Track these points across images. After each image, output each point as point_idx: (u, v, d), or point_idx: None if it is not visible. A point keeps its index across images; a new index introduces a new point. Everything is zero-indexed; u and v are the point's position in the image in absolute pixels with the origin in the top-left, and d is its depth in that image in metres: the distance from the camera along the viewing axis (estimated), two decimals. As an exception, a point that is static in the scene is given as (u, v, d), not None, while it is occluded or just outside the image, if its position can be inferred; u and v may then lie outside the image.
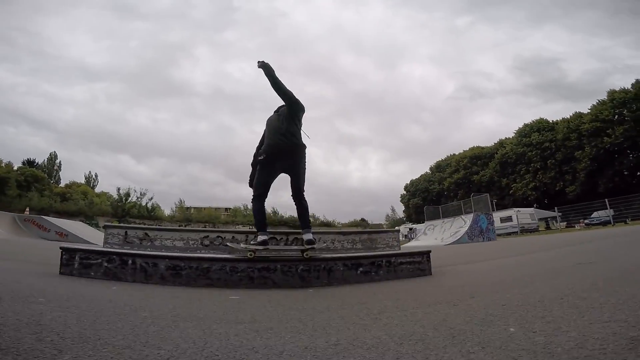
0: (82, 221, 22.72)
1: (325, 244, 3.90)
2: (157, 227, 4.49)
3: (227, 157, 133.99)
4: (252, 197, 3.57)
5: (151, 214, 41.76)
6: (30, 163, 60.30)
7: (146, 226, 4.60)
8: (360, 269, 3.65)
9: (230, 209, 64.32)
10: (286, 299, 2.64)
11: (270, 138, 3.49)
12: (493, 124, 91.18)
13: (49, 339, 1.23)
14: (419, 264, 4.02)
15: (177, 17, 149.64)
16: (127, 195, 41.74)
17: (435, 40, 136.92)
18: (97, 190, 64.74)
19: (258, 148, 3.78)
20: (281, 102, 3.67)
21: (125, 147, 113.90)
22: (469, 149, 43.87)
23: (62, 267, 3.34)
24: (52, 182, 55.94)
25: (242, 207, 51.82)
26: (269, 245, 3.47)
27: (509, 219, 26.22)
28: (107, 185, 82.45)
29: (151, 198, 43.02)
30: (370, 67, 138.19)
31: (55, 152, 64.52)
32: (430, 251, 4.19)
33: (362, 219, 56.17)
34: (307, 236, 3.39)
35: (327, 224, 48.69)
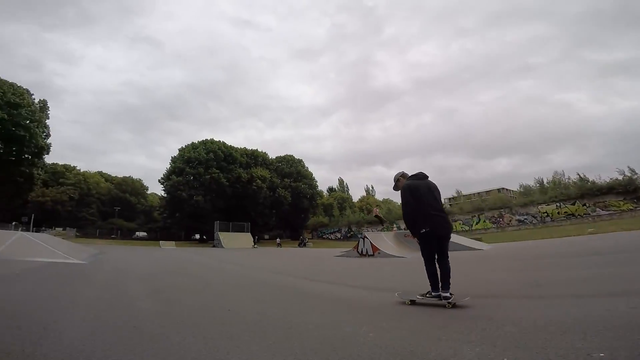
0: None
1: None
2: None
3: (467, 136, 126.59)
4: (424, 262, 3.92)
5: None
6: (330, 190, 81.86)
7: None
8: None
9: (503, 189, 58.60)
10: None
11: (432, 215, 3.80)
12: None
13: None
14: None
15: (341, 40, 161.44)
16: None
17: None
18: (377, 197, 78.07)
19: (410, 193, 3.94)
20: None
21: (374, 159, 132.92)
22: None
23: None
24: (349, 199, 72.87)
25: (519, 186, 45.30)
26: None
27: None
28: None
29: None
30: None
31: (341, 177, 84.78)
32: None
33: None
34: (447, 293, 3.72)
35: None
